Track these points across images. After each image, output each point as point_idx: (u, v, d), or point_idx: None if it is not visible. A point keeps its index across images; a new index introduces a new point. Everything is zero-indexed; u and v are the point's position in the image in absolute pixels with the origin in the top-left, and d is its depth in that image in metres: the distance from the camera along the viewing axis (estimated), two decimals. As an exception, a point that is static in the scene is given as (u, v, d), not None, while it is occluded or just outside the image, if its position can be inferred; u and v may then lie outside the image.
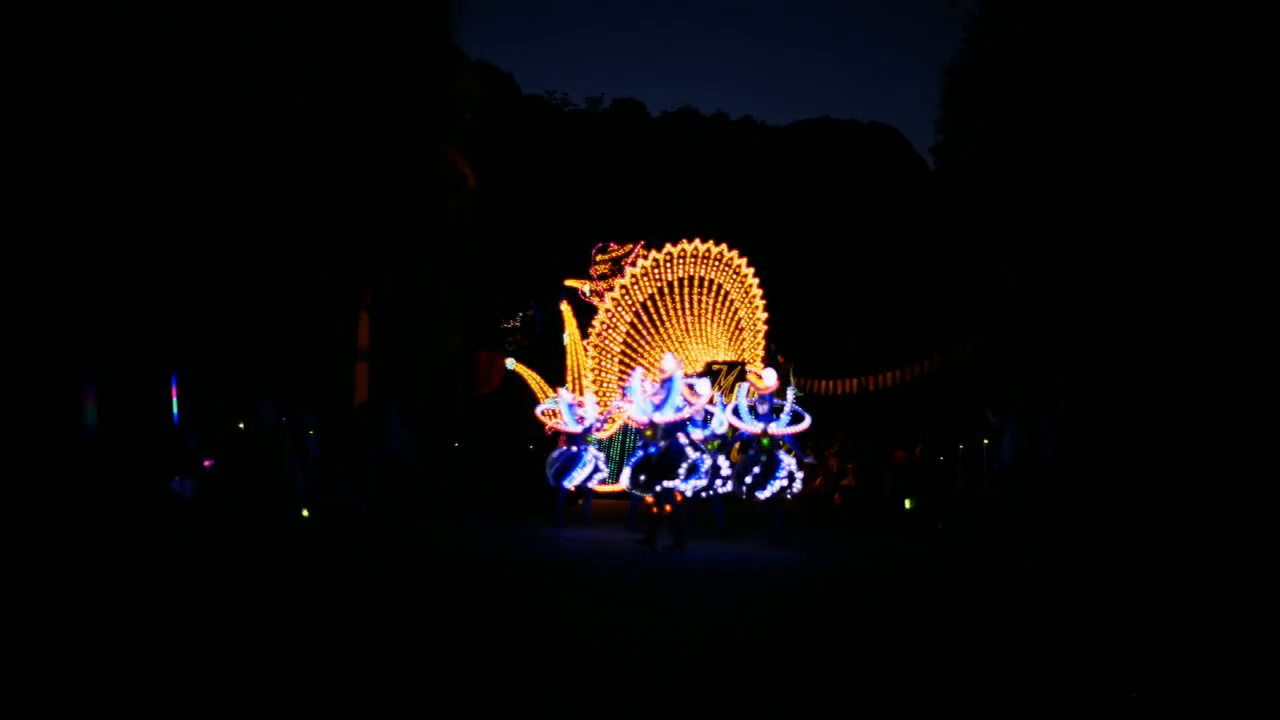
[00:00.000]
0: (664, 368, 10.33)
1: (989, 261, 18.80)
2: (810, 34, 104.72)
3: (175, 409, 9.34)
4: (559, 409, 12.21)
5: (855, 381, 21.07)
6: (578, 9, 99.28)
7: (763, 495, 10.25)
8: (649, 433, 10.19)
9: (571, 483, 11.82)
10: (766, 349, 15.01)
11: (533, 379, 15.11)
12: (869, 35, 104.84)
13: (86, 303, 2.45)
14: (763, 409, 10.40)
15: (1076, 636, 6.19)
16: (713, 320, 14.95)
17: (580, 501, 12.57)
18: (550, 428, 12.86)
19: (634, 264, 14.87)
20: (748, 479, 10.28)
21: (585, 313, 15.42)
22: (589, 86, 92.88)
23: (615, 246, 15.64)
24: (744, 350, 14.86)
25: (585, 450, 11.90)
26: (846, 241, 30.09)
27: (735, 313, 14.92)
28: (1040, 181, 16.31)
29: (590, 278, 15.62)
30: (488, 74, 27.29)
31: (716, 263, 14.74)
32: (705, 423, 10.98)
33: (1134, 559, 8.08)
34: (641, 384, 10.32)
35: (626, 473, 10.49)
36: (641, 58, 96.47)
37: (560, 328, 16.03)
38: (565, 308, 15.68)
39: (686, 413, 10.06)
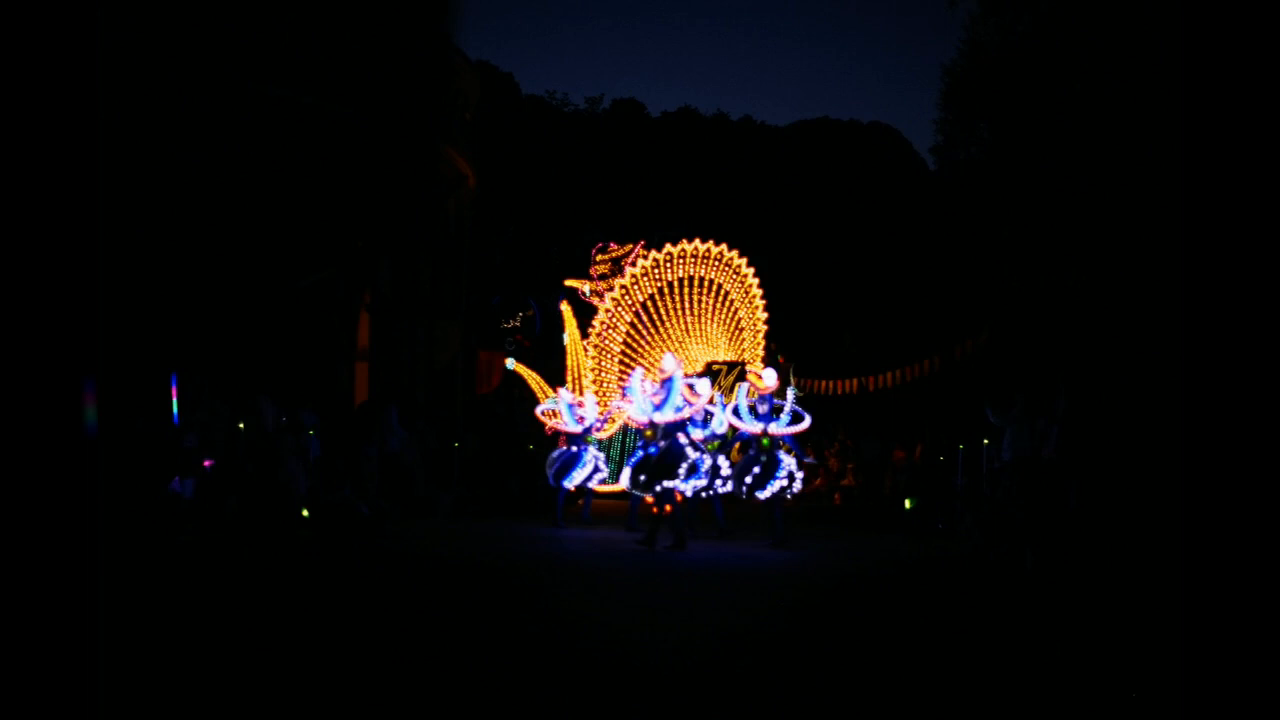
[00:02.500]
0: (664, 368, 10.33)
1: (989, 261, 18.81)
2: (810, 34, 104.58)
3: (175, 409, 9.35)
4: (559, 409, 12.21)
5: (855, 381, 21.10)
6: (578, 9, 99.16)
7: (763, 495, 10.25)
8: (649, 433, 10.19)
9: (571, 483, 11.82)
10: (766, 349, 15.01)
11: (533, 379, 15.11)
12: (869, 35, 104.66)
13: (88, 303, 2.45)
14: (763, 409, 10.40)
15: (1076, 636, 6.19)
16: (713, 320, 14.95)
17: (580, 501, 12.57)
18: (550, 428, 12.86)
19: (634, 264, 14.87)
20: (748, 479, 10.28)
21: (585, 313, 15.42)
22: (589, 86, 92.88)
23: (615, 246, 15.64)
24: (744, 350, 14.87)
25: (585, 450, 11.90)
26: (846, 241, 30.12)
27: (735, 313, 14.92)
28: (1040, 181, 16.32)
29: (590, 278, 15.61)
30: (488, 74, 27.30)
31: (716, 263, 14.74)
32: (705, 423, 10.98)
33: (1134, 559, 8.08)
34: (641, 384, 10.32)
35: (626, 473, 10.49)
36: (641, 58, 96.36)
37: (560, 328, 16.02)
38: (565, 308, 15.67)
39: (686, 413, 10.05)
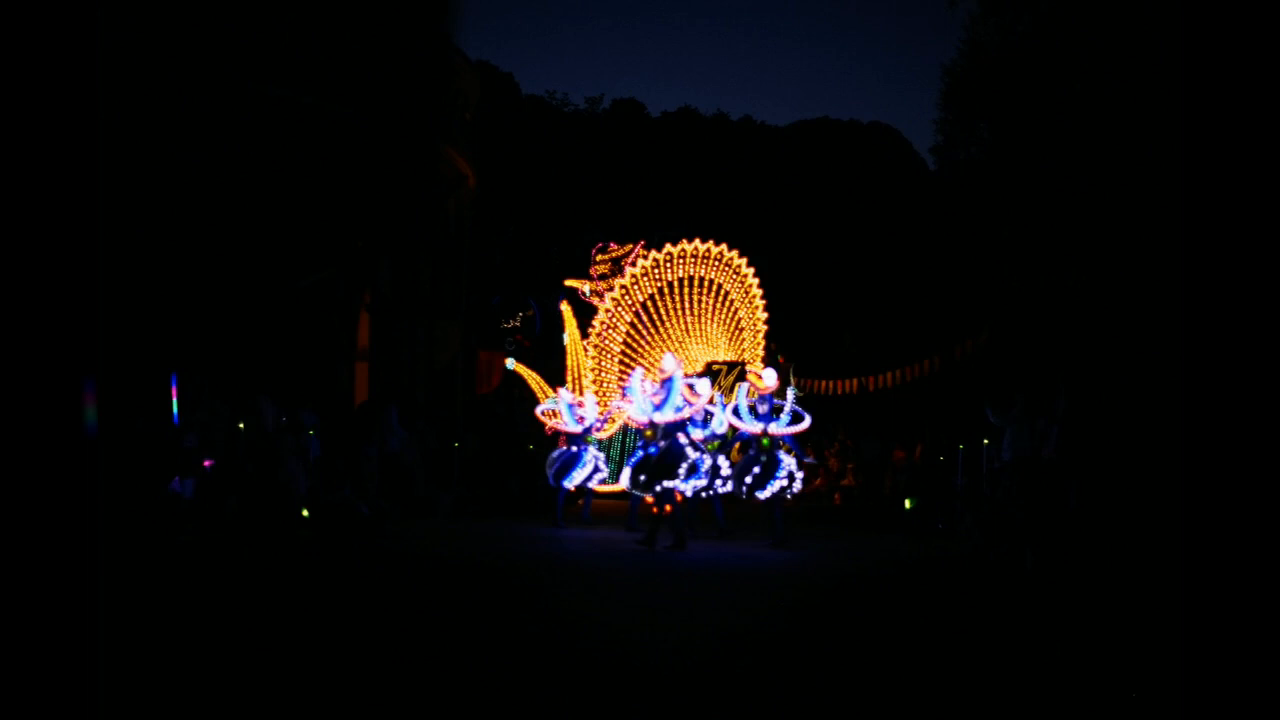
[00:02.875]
0: (664, 368, 10.33)
1: (989, 261, 18.81)
2: (810, 34, 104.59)
3: (175, 409, 9.35)
4: (559, 409, 12.21)
5: (855, 381, 21.10)
6: (578, 9, 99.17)
7: (763, 495, 10.24)
8: (649, 433, 10.19)
9: (571, 483, 11.82)
10: (766, 349, 15.01)
11: (533, 379, 15.11)
12: (869, 35, 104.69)
13: (88, 303, 2.45)
14: (763, 409, 10.40)
15: (1076, 636, 6.19)
16: (713, 320, 14.95)
17: (580, 501, 12.57)
18: (550, 428, 12.86)
19: (634, 264, 14.87)
20: (748, 479, 10.27)
21: (585, 313, 15.42)
22: (589, 86, 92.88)
23: (615, 246, 15.64)
24: (744, 350, 14.87)
25: (585, 450, 11.90)
26: (846, 241, 30.12)
27: (735, 313, 14.92)
28: (1040, 181, 16.33)
29: (590, 278, 15.61)
30: (488, 74, 27.29)
31: (716, 263, 14.74)
32: (705, 423, 10.98)
33: (1134, 559, 8.08)
34: (641, 384, 10.32)
35: (626, 473, 10.49)
36: (641, 58, 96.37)
37: (560, 328, 16.02)
38: (565, 308, 15.68)
39: (686, 413, 10.05)
